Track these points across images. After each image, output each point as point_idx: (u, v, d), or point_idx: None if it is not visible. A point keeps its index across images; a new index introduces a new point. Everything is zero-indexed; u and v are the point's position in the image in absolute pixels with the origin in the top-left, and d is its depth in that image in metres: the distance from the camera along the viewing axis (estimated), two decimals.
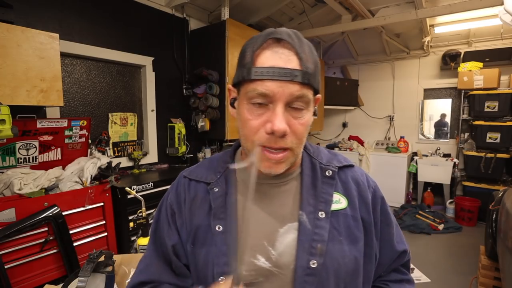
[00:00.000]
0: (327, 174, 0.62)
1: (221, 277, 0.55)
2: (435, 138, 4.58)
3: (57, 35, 1.78)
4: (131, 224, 1.24)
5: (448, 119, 4.44)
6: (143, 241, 1.21)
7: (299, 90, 0.51)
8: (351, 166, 0.67)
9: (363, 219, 0.61)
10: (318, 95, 0.59)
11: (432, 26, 3.86)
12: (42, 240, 1.67)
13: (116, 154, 2.64)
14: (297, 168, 0.64)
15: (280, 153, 0.53)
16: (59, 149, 2.00)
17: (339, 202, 0.60)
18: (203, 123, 2.98)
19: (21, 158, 1.84)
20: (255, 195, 0.60)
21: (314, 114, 0.59)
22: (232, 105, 0.61)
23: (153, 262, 0.64)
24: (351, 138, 5.06)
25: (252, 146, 0.54)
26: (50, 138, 1.92)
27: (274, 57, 0.51)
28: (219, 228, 0.58)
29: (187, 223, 0.62)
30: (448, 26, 3.77)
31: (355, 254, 0.58)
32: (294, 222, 0.58)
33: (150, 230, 0.70)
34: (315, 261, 0.54)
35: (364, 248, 0.60)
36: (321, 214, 0.58)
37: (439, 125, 4.57)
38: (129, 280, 0.92)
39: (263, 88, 0.51)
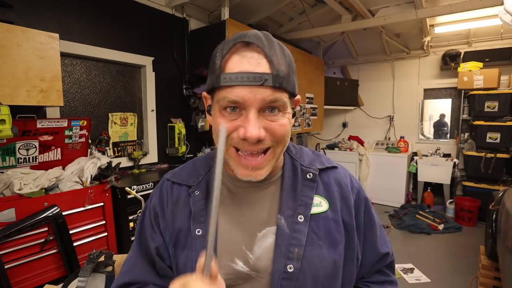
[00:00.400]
0: (307, 176, 0.61)
1: None
2: (434, 138, 4.59)
3: (57, 35, 1.78)
4: (131, 224, 1.24)
5: (448, 119, 4.44)
6: None
7: (271, 94, 0.49)
8: (335, 167, 0.65)
9: (344, 222, 0.60)
10: (297, 97, 0.57)
11: (432, 26, 3.86)
12: (42, 240, 1.67)
13: (116, 154, 2.64)
14: (278, 170, 0.62)
15: (258, 157, 0.51)
16: (59, 149, 2.00)
17: (319, 205, 0.59)
18: (203, 123, 2.98)
19: (21, 158, 1.84)
20: (235, 199, 0.60)
21: (294, 115, 0.57)
22: (209, 112, 0.59)
23: (137, 263, 0.63)
24: (351, 138, 5.06)
25: (226, 149, 0.52)
26: (50, 138, 1.92)
27: (242, 62, 0.50)
28: (198, 232, 0.57)
29: (169, 226, 0.61)
30: (448, 26, 3.77)
31: (334, 258, 0.57)
32: (272, 226, 0.57)
33: (135, 231, 0.69)
34: (291, 265, 0.54)
35: (345, 251, 0.59)
36: (300, 218, 0.57)
37: (439, 125, 4.57)
38: None
39: (233, 95, 0.49)
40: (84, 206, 1.88)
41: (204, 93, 0.60)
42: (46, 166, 1.92)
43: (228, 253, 0.57)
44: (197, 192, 0.61)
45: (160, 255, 0.62)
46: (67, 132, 2.00)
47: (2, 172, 1.74)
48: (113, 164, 2.13)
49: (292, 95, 0.54)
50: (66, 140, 2.02)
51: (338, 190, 0.62)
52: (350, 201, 0.62)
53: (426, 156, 4.33)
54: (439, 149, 4.38)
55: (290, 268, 0.54)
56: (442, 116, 4.51)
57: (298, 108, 0.59)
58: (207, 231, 0.53)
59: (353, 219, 0.61)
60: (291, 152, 0.65)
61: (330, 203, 0.60)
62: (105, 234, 2.02)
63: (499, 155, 3.58)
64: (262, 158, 0.52)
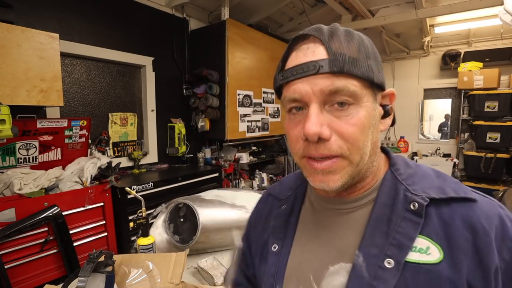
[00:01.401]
0: (411, 207, 0.43)
1: None
2: (441, 139, 4.58)
3: (57, 35, 1.78)
4: (131, 224, 1.23)
5: (449, 120, 4.45)
6: (143, 241, 1.21)
7: (331, 83, 0.41)
8: (470, 200, 0.42)
9: (470, 287, 0.38)
10: (389, 90, 0.48)
11: (432, 26, 3.86)
12: (42, 240, 1.67)
13: (116, 154, 2.64)
14: (372, 191, 0.48)
15: (325, 161, 0.43)
16: (59, 149, 2.00)
17: (425, 252, 0.40)
18: (203, 123, 2.98)
19: (21, 158, 1.84)
20: (316, 220, 0.52)
21: (386, 114, 0.48)
22: None
23: (238, 264, 0.66)
24: None
25: (297, 157, 0.47)
26: (50, 138, 1.92)
27: (298, 55, 0.44)
28: (274, 247, 0.54)
29: (259, 237, 0.60)
30: (448, 26, 3.77)
31: None
32: (348, 262, 0.45)
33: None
34: None
35: None
36: (388, 263, 0.41)
37: (441, 126, 4.57)
38: (129, 280, 0.92)
39: (290, 92, 0.44)
40: (84, 206, 1.88)
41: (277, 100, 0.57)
42: (46, 166, 1.92)
43: (296, 279, 0.50)
44: (284, 206, 0.57)
45: (246, 262, 0.64)
46: (67, 132, 2.00)
47: (2, 172, 1.74)
48: (113, 164, 2.13)
49: (369, 83, 0.44)
50: (66, 140, 2.02)
51: (468, 236, 0.40)
52: (492, 259, 0.38)
53: (426, 156, 4.33)
54: (439, 149, 4.39)
55: None
56: (447, 116, 4.49)
57: (384, 107, 0.48)
58: (282, 248, 0.54)
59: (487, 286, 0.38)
60: (397, 171, 0.49)
61: (447, 253, 0.40)
62: (105, 234, 2.02)
63: (499, 155, 3.58)
64: (331, 161, 0.42)
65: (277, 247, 0.54)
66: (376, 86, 0.45)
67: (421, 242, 0.41)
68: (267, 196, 0.65)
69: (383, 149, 0.53)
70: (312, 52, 0.43)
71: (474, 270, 0.38)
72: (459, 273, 0.38)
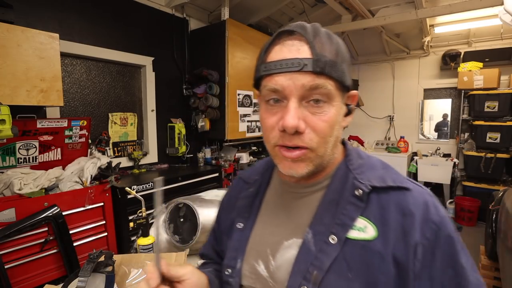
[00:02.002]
0: (356, 193, 0.50)
1: (228, 269, 0.59)
2: (438, 138, 4.58)
3: (57, 35, 1.78)
4: (131, 224, 1.23)
5: (448, 119, 4.44)
6: (143, 241, 1.21)
7: (312, 80, 0.46)
8: (405, 189, 0.50)
9: (397, 261, 0.45)
10: (353, 91, 0.53)
11: (432, 26, 3.86)
12: (42, 240, 1.67)
13: (116, 154, 2.64)
14: (326, 178, 0.55)
15: (296, 151, 0.48)
16: (59, 149, 2.00)
17: (363, 230, 0.48)
18: (203, 123, 2.98)
19: (21, 158, 1.84)
20: (278, 202, 0.60)
21: (349, 113, 0.53)
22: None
23: (209, 239, 0.77)
24: (351, 138, 5.06)
25: (270, 146, 0.51)
26: (50, 138, 1.92)
27: (282, 50, 0.48)
28: (239, 225, 0.61)
29: (228, 217, 0.67)
30: (448, 26, 3.77)
31: None
32: (299, 238, 0.52)
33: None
34: (306, 287, 0.48)
35: None
36: (332, 239, 0.48)
37: (441, 126, 4.57)
38: (129, 280, 0.93)
39: (272, 83, 0.48)
40: (84, 206, 1.88)
41: (256, 92, 0.58)
42: (46, 166, 1.92)
43: (255, 252, 0.57)
44: (251, 189, 0.64)
45: (216, 238, 0.73)
46: (67, 132, 2.00)
47: (2, 172, 1.74)
48: (113, 164, 2.13)
49: (341, 85, 0.49)
50: (66, 140, 2.02)
51: (398, 218, 0.47)
52: (414, 237, 0.46)
53: (426, 156, 4.33)
54: (439, 149, 4.38)
55: None
56: (445, 116, 4.50)
57: (347, 107, 0.55)
58: (246, 226, 0.61)
59: (410, 261, 0.45)
60: (349, 161, 0.56)
61: (380, 232, 0.47)
62: (105, 234, 2.02)
63: (499, 155, 3.58)
64: (300, 151, 0.48)
65: (241, 225, 0.61)
66: (346, 88, 0.51)
67: (360, 222, 0.49)
68: (238, 180, 0.72)
69: (342, 141, 0.60)
70: (297, 50, 0.47)
71: (399, 244, 0.46)
72: (388, 248, 0.46)
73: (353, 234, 0.48)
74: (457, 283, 0.45)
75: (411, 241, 0.46)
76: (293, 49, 0.47)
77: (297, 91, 0.46)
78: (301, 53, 0.46)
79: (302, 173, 0.49)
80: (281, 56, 0.47)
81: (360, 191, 0.50)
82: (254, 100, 3.28)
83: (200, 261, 0.78)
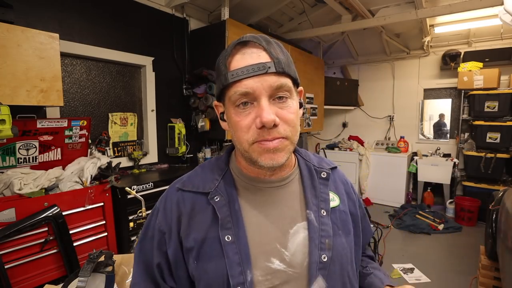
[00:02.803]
0: (322, 176, 0.67)
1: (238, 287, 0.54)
2: (434, 138, 4.59)
3: (57, 35, 1.78)
4: (131, 224, 1.24)
5: (448, 119, 4.44)
6: None
7: (277, 80, 0.53)
8: (336, 168, 0.74)
9: (351, 213, 0.69)
10: (300, 88, 0.62)
11: (432, 26, 3.86)
12: (42, 240, 1.67)
13: (116, 154, 2.64)
14: (295, 169, 0.67)
15: (275, 141, 0.54)
16: (59, 149, 2.00)
17: (333, 200, 0.66)
18: (203, 123, 2.98)
19: (21, 158, 1.84)
20: (259, 200, 0.61)
21: (301, 106, 0.62)
22: (222, 119, 0.63)
23: (140, 284, 0.62)
24: (351, 138, 5.06)
25: (248, 144, 0.55)
26: (50, 138, 1.92)
27: (244, 58, 0.54)
28: (228, 238, 0.56)
29: (185, 239, 0.58)
30: (448, 26, 3.76)
31: (350, 245, 0.65)
32: (302, 222, 0.61)
33: (135, 251, 0.66)
34: (325, 255, 0.58)
35: (354, 238, 0.68)
36: (323, 212, 0.62)
37: (439, 125, 4.57)
38: (129, 280, 0.92)
39: (242, 88, 0.53)
40: (84, 206, 1.88)
41: (215, 102, 0.64)
42: (46, 166, 1.92)
43: (264, 254, 0.57)
44: (217, 198, 0.59)
45: (161, 273, 0.61)
46: (67, 132, 2.00)
47: (2, 172, 1.74)
48: (113, 164, 2.13)
49: (295, 82, 0.59)
50: (66, 140, 2.02)
51: (342, 186, 0.71)
52: (353, 195, 0.72)
53: (426, 156, 4.33)
54: (439, 149, 4.38)
55: (324, 258, 0.57)
56: (441, 116, 4.51)
57: (301, 100, 0.65)
58: (237, 236, 0.57)
59: (357, 210, 0.71)
60: (300, 154, 0.71)
61: (340, 198, 0.68)
62: (105, 234, 2.02)
63: (499, 155, 3.58)
64: (279, 140, 0.55)
65: (230, 237, 0.56)
66: (297, 85, 0.60)
67: (330, 195, 0.66)
68: (178, 193, 0.63)
69: None
70: (257, 56, 0.54)
71: (349, 202, 0.70)
72: (346, 206, 0.69)
73: (330, 204, 0.65)
74: (364, 214, 0.77)
75: (353, 197, 0.72)
76: (254, 56, 0.54)
77: (265, 91, 0.53)
78: (262, 58, 0.54)
79: (281, 162, 0.56)
80: (246, 63, 0.53)
81: (325, 174, 0.67)
82: None
83: None
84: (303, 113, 3.99)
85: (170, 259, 0.60)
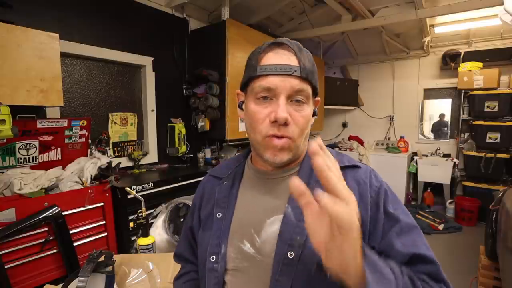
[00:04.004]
0: None
1: (212, 256, 0.64)
2: (434, 138, 4.59)
3: (57, 35, 1.78)
4: (131, 224, 1.24)
5: (448, 119, 4.44)
6: (143, 241, 1.21)
7: (299, 84, 0.58)
8: (356, 167, 0.66)
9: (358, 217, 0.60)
10: (318, 98, 0.66)
11: (432, 26, 3.86)
12: (42, 240, 1.67)
13: (116, 154, 2.64)
14: (298, 165, 0.68)
15: (284, 139, 0.59)
16: (59, 149, 2.00)
17: None
18: (203, 123, 2.98)
19: (21, 158, 1.84)
20: (255, 188, 0.68)
21: (314, 114, 0.65)
22: (240, 107, 0.69)
23: (182, 240, 0.83)
24: (351, 138, 5.06)
25: (259, 136, 0.61)
26: (50, 138, 1.92)
27: (276, 57, 0.60)
28: (218, 215, 0.67)
29: (202, 212, 0.73)
30: (448, 26, 3.76)
31: None
32: (280, 214, 0.62)
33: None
34: (292, 252, 0.57)
35: None
36: None
37: (439, 125, 4.57)
38: (129, 280, 0.93)
39: (267, 83, 0.58)
40: (84, 206, 1.88)
41: (238, 91, 0.69)
42: (46, 166, 1.92)
43: (239, 235, 0.64)
44: (225, 182, 0.71)
45: (192, 234, 0.78)
46: (67, 132, 2.00)
47: (2, 172, 1.74)
48: (113, 164, 2.13)
49: (314, 91, 0.63)
50: (66, 140, 2.02)
51: (355, 187, 0.63)
52: (367, 197, 0.62)
53: (426, 156, 4.33)
54: (439, 149, 4.38)
55: (290, 254, 0.57)
56: (442, 116, 4.51)
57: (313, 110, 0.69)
58: (225, 214, 0.67)
59: (368, 215, 0.60)
60: None
61: None
62: (105, 234, 2.02)
63: (499, 155, 3.58)
64: (286, 140, 0.59)
65: (221, 214, 0.67)
66: (315, 94, 0.64)
67: None
68: (208, 177, 0.79)
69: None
70: (288, 58, 0.59)
71: (360, 205, 0.54)
72: None
73: None
74: (390, 225, 0.59)
75: (366, 200, 0.61)
76: (284, 57, 0.59)
77: (286, 91, 0.58)
78: (291, 61, 0.59)
79: (284, 160, 0.61)
80: (275, 62, 0.59)
81: None
82: None
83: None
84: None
85: (194, 226, 0.76)
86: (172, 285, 0.81)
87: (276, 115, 0.57)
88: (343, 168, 0.63)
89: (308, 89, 0.60)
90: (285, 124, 0.58)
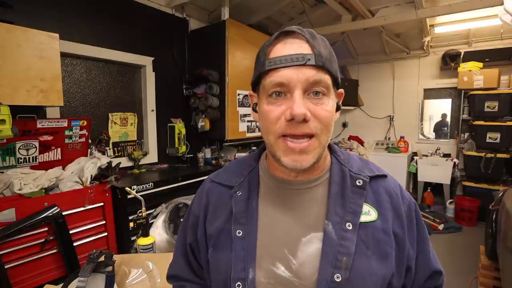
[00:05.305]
0: (357, 183, 0.57)
1: (238, 283, 0.54)
2: (436, 138, 4.59)
3: (57, 35, 1.78)
4: (131, 224, 1.23)
5: (448, 119, 4.44)
6: (143, 241, 1.21)
7: (315, 74, 0.50)
8: (384, 176, 0.61)
9: (395, 234, 0.56)
10: (341, 90, 0.58)
11: (432, 26, 3.86)
12: (42, 240, 1.67)
13: (116, 154, 2.64)
14: (325, 172, 0.60)
15: (304, 142, 0.51)
16: (59, 149, 2.00)
17: (368, 213, 0.55)
18: (203, 123, 2.98)
19: (21, 158, 1.84)
20: (278, 200, 0.59)
21: (338, 108, 0.57)
22: (254, 109, 0.61)
23: (177, 258, 0.71)
24: (351, 138, 5.06)
25: (274, 137, 0.53)
26: (50, 138, 1.92)
27: (285, 47, 0.52)
28: (239, 233, 0.57)
29: (210, 226, 0.62)
30: (448, 26, 3.76)
31: (384, 272, 0.53)
32: (318, 232, 0.54)
33: (178, 230, 0.74)
34: (339, 274, 0.50)
35: (396, 265, 0.56)
36: (348, 226, 0.53)
37: (440, 125, 4.57)
38: (129, 280, 0.93)
39: (278, 77, 0.50)
40: (84, 206, 1.88)
41: (250, 92, 0.62)
42: (46, 166, 1.92)
43: (269, 256, 0.55)
44: (239, 193, 0.60)
45: (193, 251, 0.67)
46: (67, 132, 2.00)
47: (2, 172, 1.74)
48: (113, 164, 2.13)
49: (335, 82, 0.55)
50: (66, 140, 2.02)
51: (388, 200, 0.58)
52: (401, 212, 0.58)
53: (426, 156, 4.33)
54: (439, 149, 4.38)
55: (337, 277, 0.50)
56: (444, 116, 4.50)
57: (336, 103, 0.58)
58: (247, 232, 0.57)
59: (405, 231, 0.57)
60: (338, 157, 0.61)
61: (379, 213, 0.56)
62: (105, 234, 2.02)
63: (499, 155, 3.58)
64: (307, 142, 0.51)
65: (241, 232, 0.57)
66: (337, 85, 0.56)
67: (365, 207, 0.56)
68: (211, 184, 0.67)
69: None
70: (299, 47, 0.51)
71: (395, 220, 0.57)
72: (388, 224, 0.56)
73: (362, 218, 0.55)
74: (423, 239, 0.62)
75: (401, 214, 0.58)
76: (295, 46, 0.51)
77: (301, 84, 0.50)
78: (304, 50, 0.50)
79: (305, 166, 0.52)
80: (285, 52, 0.51)
81: (361, 181, 0.57)
82: None
83: None
84: None
85: (198, 241, 0.64)
86: None
87: (292, 112, 0.49)
88: (375, 178, 0.59)
89: (327, 79, 0.51)
90: (304, 120, 0.49)
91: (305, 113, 0.49)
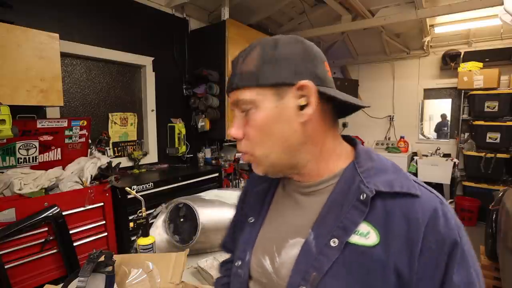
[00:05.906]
0: (361, 197, 0.48)
1: (238, 261, 0.61)
2: (436, 138, 4.59)
3: (57, 35, 1.78)
4: (131, 224, 1.23)
5: (448, 119, 4.44)
6: (143, 241, 1.21)
7: (237, 95, 0.52)
8: (413, 195, 0.46)
9: (398, 272, 0.44)
10: (300, 82, 0.48)
11: (432, 26, 3.86)
12: (42, 240, 1.67)
13: (116, 154, 2.64)
14: (333, 177, 0.54)
15: (245, 156, 0.56)
16: (59, 149, 2.00)
17: (366, 236, 0.46)
18: (203, 123, 2.98)
19: (21, 158, 1.84)
20: (285, 200, 0.61)
21: (303, 107, 0.49)
22: None
23: (228, 230, 0.79)
24: None
25: None
26: (50, 138, 1.92)
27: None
28: (251, 220, 0.64)
29: (243, 211, 0.70)
30: (448, 26, 3.76)
31: None
32: (303, 238, 0.51)
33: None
34: None
35: None
36: (333, 242, 0.47)
37: (440, 125, 4.57)
38: (129, 280, 0.92)
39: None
40: (84, 206, 1.88)
41: None
42: (46, 166, 1.92)
43: (262, 247, 0.59)
44: (264, 184, 0.66)
45: (235, 227, 0.74)
46: (67, 132, 2.00)
47: (2, 172, 1.74)
48: (113, 164, 2.13)
49: (268, 87, 0.48)
50: (66, 140, 2.02)
51: (404, 227, 0.44)
52: (418, 247, 0.43)
53: (426, 156, 4.33)
54: (439, 149, 4.38)
55: None
56: (444, 116, 4.50)
57: (303, 99, 0.49)
58: (256, 221, 0.62)
59: (413, 272, 0.43)
60: (358, 163, 0.53)
61: (383, 239, 0.45)
62: (105, 234, 2.02)
63: (499, 155, 3.58)
64: (246, 155, 0.55)
65: (253, 220, 0.63)
66: (280, 85, 0.48)
67: (364, 227, 0.46)
68: (252, 173, 0.71)
69: (350, 140, 0.61)
70: (237, 69, 0.53)
71: (403, 255, 0.44)
72: (390, 256, 0.44)
73: (354, 238, 0.46)
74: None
75: (415, 251, 0.43)
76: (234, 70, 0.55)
77: (234, 106, 0.54)
78: (236, 73, 0.53)
79: (258, 173, 0.56)
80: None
81: (364, 195, 0.47)
82: None
83: (202, 262, 0.77)
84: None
85: (239, 218, 0.72)
86: (173, 285, 0.78)
87: (228, 133, 0.56)
88: (393, 195, 0.47)
89: (244, 95, 0.50)
90: (240, 139, 0.54)
91: (235, 134, 0.53)
